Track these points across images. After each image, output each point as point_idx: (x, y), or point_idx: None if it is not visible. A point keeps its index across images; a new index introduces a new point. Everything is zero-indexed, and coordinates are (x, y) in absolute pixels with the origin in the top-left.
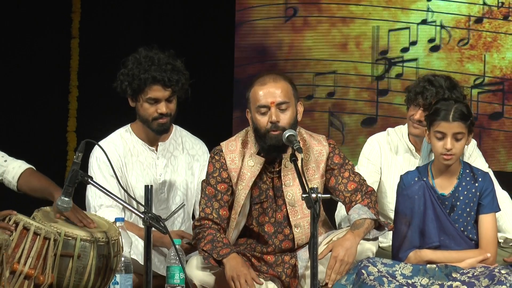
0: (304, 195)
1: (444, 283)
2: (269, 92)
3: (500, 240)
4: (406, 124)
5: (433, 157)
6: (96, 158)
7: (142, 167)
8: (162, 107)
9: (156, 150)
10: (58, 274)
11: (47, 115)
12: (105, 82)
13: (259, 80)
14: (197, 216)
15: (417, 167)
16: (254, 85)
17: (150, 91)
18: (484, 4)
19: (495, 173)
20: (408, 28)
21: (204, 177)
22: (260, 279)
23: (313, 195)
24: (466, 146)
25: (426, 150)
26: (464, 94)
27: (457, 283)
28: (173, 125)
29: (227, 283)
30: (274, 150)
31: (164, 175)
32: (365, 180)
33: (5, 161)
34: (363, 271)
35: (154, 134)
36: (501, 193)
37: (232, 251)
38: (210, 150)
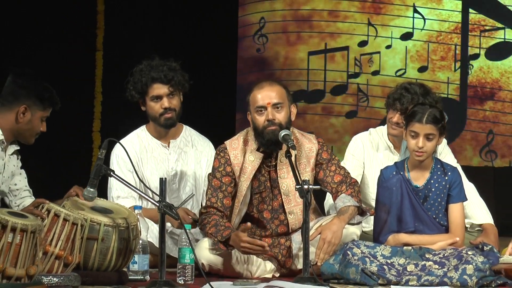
0: (297, 186)
1: (419, 263)
2: (266, 94)
3: (467, 226)
4: (386, 125)
5: (408, 154)
6: (116, 156)
7: (156, 161)
8: (165, 102)
9: (168, 146)
10: (84, 255)
11: (75, 117)
12: (125, 88)
13: (257, 85)
14: (204, 204)
15: (395, 162)
16: (253, 90)
17: (151, 90)
18: (452, 21)
19: (463, 167)
20: (388, 42)
21: (210, 171)
22: (259, 257)
23: (305, 186)
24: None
25: (404, 147)
26: (436, 99)
27: (430, 262)
28: (183, 125)
29: (231, 263)
30: (271, 144)
31: (176, 168)
32: (349, 173)
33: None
34: (348, 252)
35: (165, 132)
36: (468, 185)
37: (232, 231)
38: (215, 147)
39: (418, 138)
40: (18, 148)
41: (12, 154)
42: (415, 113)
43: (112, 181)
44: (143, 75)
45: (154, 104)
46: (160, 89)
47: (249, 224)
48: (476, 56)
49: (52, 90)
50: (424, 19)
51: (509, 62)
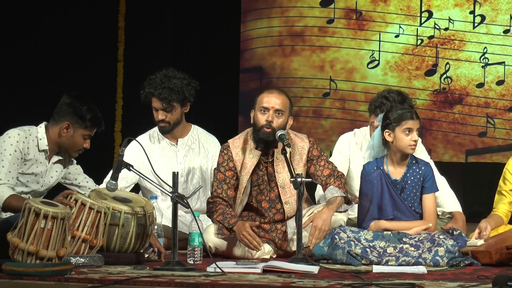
0: (292, 179)
1: (397, 246)
2: (272, 99)
3: (439, 213)
4: (368, 126)
5: (376, 151)
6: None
7: (165, 158)
8: (159, 115)
9: (176, 144)
10: (107, 239)
11: None
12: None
13: (269, 90)
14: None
15: (376, 159)
16: (264, 92)
17: (152, 102)
18: (425, 36)
19: (435, 162)
20: (370, 54)
21: (215, 165)
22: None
23: (298, 179)
24: None
25: (376, 145)
26: (412, 104)
27: (407, 245)
28: (192, 125)
29: (233, 246)
30: (263, 142)
31: (183, 164)
32: (336, 167)
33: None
34: (336, 236)
35: (174, 132)
36: (439, 178)
37: (238, 220)
38: (220, 145)
39: (413, 133)
40: (62, 158)
41: (55, 162)
42: (404, 114)
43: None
44: (146, 88)
45: (154, 112)
46: (156, 103)
47: (257, 223)
48: (445, 66)
49: (96, 112)
50: (401, 34)
51: (475, 71)
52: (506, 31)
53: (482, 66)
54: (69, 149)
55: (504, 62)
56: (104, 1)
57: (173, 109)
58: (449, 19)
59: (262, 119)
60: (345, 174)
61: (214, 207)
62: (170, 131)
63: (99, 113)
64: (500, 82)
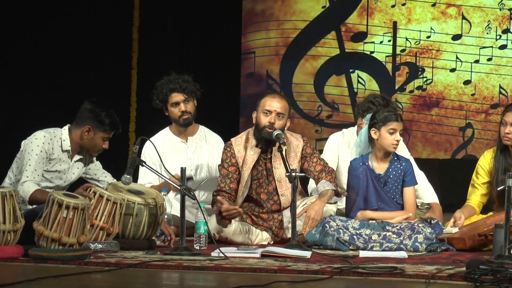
0: (287, 174)
1: (381, 233)
2: (275, 103)
3: (418, 204)
4: (356, 127)
5: (366, 149)
6: (143, 152)
7: (176, 154)
8: (182, 107)
9: (186, 142)
10: (122, 227)
11: None
12: (151, 99)
13: (271, 94)
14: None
15: (361, 155)
16: (266, 96)
17: (171, 98)
18: (408, 46)
19: (415, 159)
20: (357, 62)
21: (219, 162)
22: (258, 229)
23: (293, 174)
24: None
25: (364, 143)
26: (395, 107)
27: (390, 233)
28: (199, 125)
29: (236, 233)
30: (264, 141)
31: (192, 159)
32: (327, 163)
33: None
34: (326, 224)
35: (184, 131)
36: (418, 172)
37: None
38: (225, 142)
39: (396, 134)
40: (83, 157)
41: (77, 161)
42: (390, 115)
43: (139, 172)
44: (163, 87)
45: (173, 109)
46: (177, 97)
47: (219, 198)
48: (424, 73)
49: (114, 117)
50: (385, 44)
51: (451, 78)
52: (481, 47)
53: (456, 73)
54: (90, 150)
55: (476, 69)
56: (120, 15)
57: (191, 99)
58: (429, 30)
59: (265, 120)
60: (335, 169)
61: (215, 200)
62: (191, 123)
63: (117, 118)
64: (472, 88)
